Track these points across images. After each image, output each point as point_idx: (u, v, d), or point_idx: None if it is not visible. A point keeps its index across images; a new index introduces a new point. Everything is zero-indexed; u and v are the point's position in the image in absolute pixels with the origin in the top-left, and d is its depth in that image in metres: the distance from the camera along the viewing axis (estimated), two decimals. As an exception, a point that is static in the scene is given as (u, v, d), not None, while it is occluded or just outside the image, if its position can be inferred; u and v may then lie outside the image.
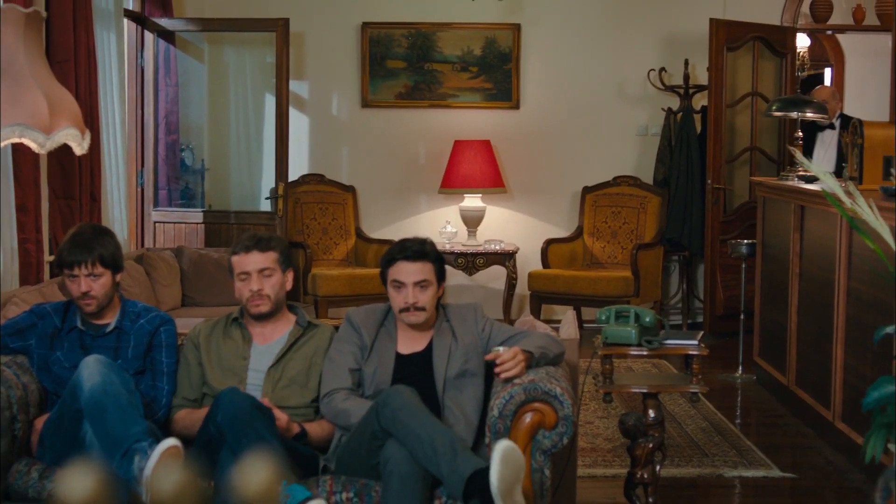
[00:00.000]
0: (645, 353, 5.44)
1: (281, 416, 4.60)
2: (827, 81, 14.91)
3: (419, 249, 4.86)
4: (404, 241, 4.95)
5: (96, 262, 4.86)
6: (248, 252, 4.91)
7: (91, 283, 4.86)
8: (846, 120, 9.64)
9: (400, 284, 4.81)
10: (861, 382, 6.29)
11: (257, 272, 4.91)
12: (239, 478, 1.12)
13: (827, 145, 10.11)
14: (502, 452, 4.09)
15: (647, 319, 5.42)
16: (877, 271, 5.26)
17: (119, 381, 4.51)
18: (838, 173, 8.55)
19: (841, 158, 9.44)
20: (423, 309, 4.81)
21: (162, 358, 4.94)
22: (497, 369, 4.58)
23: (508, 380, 4.53)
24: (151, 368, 4.93)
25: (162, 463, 4.13)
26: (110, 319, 4.95)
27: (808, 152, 9.77)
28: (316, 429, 4.76)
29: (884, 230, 4.82)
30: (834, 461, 6.68)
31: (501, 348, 4.66)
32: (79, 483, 1.17)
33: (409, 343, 4.87)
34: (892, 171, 5.70)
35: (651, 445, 5.33)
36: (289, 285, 5.05)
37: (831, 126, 10.11)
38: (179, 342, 5.02)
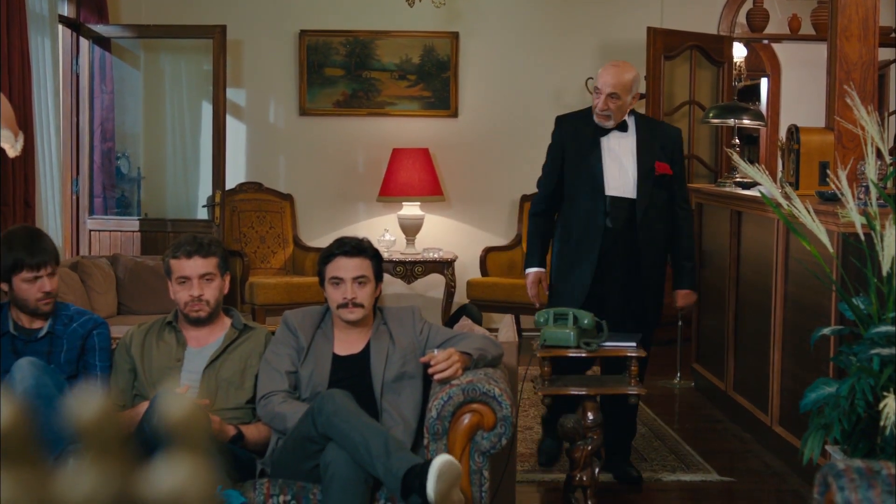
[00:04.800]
0: (583, 355, 5.41)
1: (213, 419, 4.55)
2: (763, 91, 15.03)
3: (357, 245, 4.87)
4: (341, 239, 4.94)
5: (52, 261, 4.85)
6: (189, 257, 4.86)
7: (52, 283, 4.84)
8: None
9: (339, 280, 4.80)
10: (798, 386, 6.31)
11: (198, 277, 4.87)
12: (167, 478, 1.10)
13: None
14: (437, 470, 4.09)
15: (586, 321, 5.40)
16: (815, 274, 5.29)
17: (52, 383, 4.46)
18: None
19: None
20: (361, 305, 4.80)
21: (95, 361, 4.88)
22: (431, 370, 4.57)
23: (444, 381, 4.52)
24: (84, 372, 4.87)
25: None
26: (43, 324, 4.89)
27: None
28: (253, 431, 4.72)
29: (821, 233, 4.85)
30: (772, 465, 6.71)
31: (437, 350, 4.65)
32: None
33: (346, 345, 4.85)
34: (829, 174, 5.75)
35: (590, 448, 5.32)
36: (226, 289, 5.01)
37: None
38: (113, 346, 4.96)
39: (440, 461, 4.13)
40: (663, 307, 6.43)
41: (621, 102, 6.19)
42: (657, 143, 6.29)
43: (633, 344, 5.43)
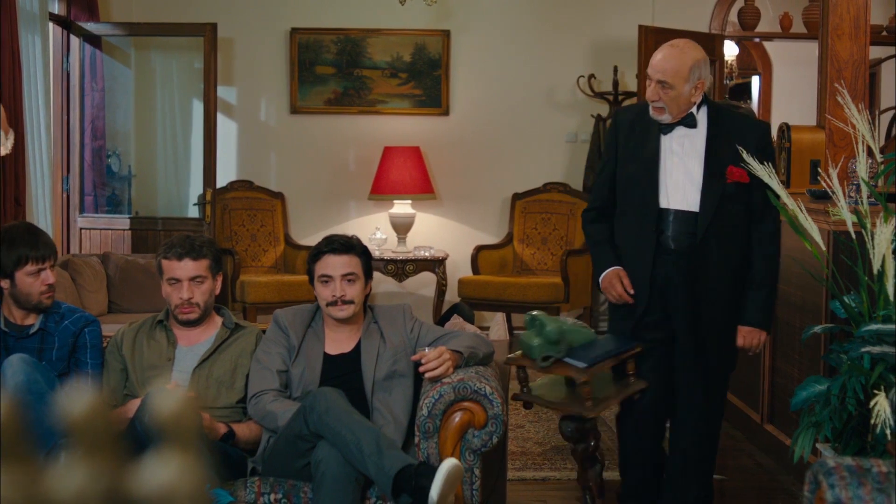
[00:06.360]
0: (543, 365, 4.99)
1: (203, 416, 4.54)
2: (755, 89, 15.04)
3: (346, 243, 4.87)
4: (330, 237, 4.94)
5: (53, 254, 4.93)
6: (180, 259, 4.86)
7: (53, 275, 4.90)
8: None
9: (328, 278, 4.79)
10: (789, 384, 6.32)
11: (188, 280, 4.86)
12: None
13: None
14: (446, 473, 4.10)
15: (548, 329, 4.98)
16: (811, 273, 5.27)
17: (44, 379, 4.46)
18: None
19: None
20: (351, 302, 4.79)
21: (86, 359, 4.88)
22: (422, 369, 4.58)
23: (435, 379, 4.52)
24: (75, 369, 4.87)
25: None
26: (34, 320, 4.89)
27: None
28: (244, 430, 4.71)
29: (812, 231, 4.86)
30: (763, 463, 6.71)
31: (427, 348, 4.65)
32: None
33: (337, 344, 4.85)
34: (820, 172, 5.76)
35: (589, 450, 5.30)
36: (217, 290, 5.01)
37: None
38: (104, 344, 4.96)
39: (449, 465, 4.13)
40: (736, 350, 5.26)
41: (676, 93, 4.97)
42: (734, 141, 4.99)
43: (584, 364, 4.94)
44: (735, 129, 5.05)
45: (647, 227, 5.04)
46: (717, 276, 5.03)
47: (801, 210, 4.86)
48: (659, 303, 5.10)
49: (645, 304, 5.10)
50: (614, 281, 5.13)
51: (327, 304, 4.81)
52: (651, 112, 5.05)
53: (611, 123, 5.40)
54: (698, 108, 5.05)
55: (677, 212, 5.02)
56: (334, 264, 4.82)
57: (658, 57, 5.01)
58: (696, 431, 5.28)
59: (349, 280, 4.81)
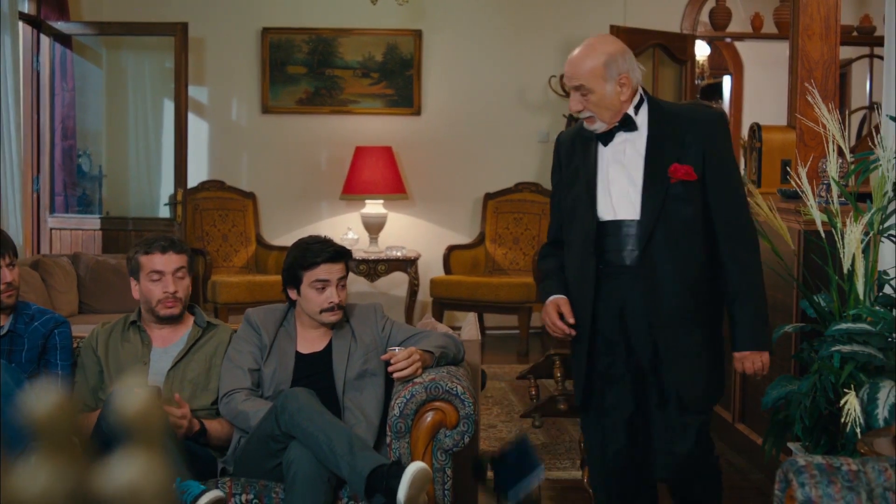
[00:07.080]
0: None
1: (184, 411, 4.52)
2: (726, 90, 15.09)
3: (341, 250, 4.87)
4: (318, 245, 4.86)
5: (10, 251, 4.82)
6: (164, 252, 4.84)
7: (12, 274, 4.81)
8: None
9: (324, 284, 4.76)
10: (760, 383, 6.33)
11: (172, 273, 4.84)
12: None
13: None
14: (411, 477, 4.09)
15: None
16: (780, 273, 5.29)
17: (13, 382, 4.42)
18: None
19: None
20: (343, 307, 4.80)
21: (56, 360, 4.84)
22: (390, 369, 4.57)
23: (405, 380, 4.51)
24: (45, 371, 4.83)
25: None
26: (3, 322, 4.85)
27: None
28: (216, 427, 4.69)
29: (783, 230, 4.88)
30: (734, 462, 6.72)
31: (397, 348, 4.64)
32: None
33: (309, 343, 4.84)
34: (790, 172, 5.78)
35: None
36: (189, 290, 4.99)
37: None
38: (75, 345, 4.93)
39: (414, 468, 4.13)
40: (721, 376, 4.54)
41: (598, 97, 4.29)
42: (679, 136, 4.34)
43: None
44: (681, 123, 4.37)
45: (587, 244, 4.38)
46: (670, 291, 4.30)
47: (772, 209, 4.89)
48: (617, 330, 4.41)
49: (589, 332, 4.40)
50: (549, 310, 4.47)
51: (322, 311, 4.79)
52: (584, 125, 4.42)
53: (553, 154, 4.73)
54: (637, 108, 4.39)
55: (617, 223, 4.34)
56: (331, 271, 4.80)
57: (567, 64, 4.39)
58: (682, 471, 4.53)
59: (342, 285, 4.82)
